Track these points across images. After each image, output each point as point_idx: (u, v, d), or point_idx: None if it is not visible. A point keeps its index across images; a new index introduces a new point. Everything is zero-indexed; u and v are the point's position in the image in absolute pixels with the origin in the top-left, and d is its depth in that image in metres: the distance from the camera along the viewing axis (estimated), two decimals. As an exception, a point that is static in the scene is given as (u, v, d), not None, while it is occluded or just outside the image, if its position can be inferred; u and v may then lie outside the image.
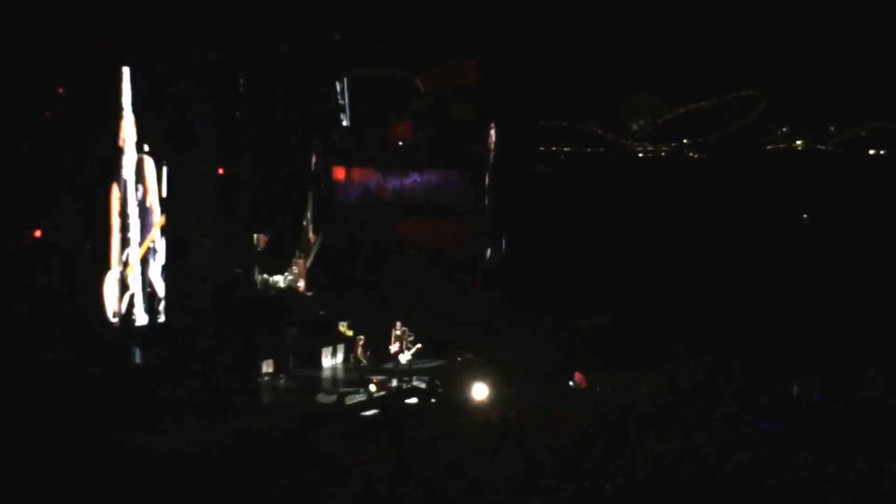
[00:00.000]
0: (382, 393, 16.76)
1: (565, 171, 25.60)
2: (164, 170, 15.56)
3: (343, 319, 19.64)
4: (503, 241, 22.30)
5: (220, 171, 16.06)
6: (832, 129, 26.70)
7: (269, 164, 16.97)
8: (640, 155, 26.31)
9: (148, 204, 15.39)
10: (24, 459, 12.08)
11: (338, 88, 18.63)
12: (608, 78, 24.74)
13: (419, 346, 17.83)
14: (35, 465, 11.98)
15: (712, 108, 26.20)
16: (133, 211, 15.08)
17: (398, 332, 17.84)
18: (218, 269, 16.22)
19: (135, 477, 12.15)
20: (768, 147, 26.53)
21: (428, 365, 17.74)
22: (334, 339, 19.19)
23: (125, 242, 14.98)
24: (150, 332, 15.20)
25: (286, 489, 11.33)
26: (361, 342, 18.52)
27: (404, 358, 17.78)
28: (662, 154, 26.31)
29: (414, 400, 16.69)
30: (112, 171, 14.70)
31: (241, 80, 16.05)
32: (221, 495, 11.84)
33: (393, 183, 21.08)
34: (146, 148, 15.32)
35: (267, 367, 17.17)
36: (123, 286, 14.89)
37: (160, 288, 15.48)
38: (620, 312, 21.53)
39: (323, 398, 16.31)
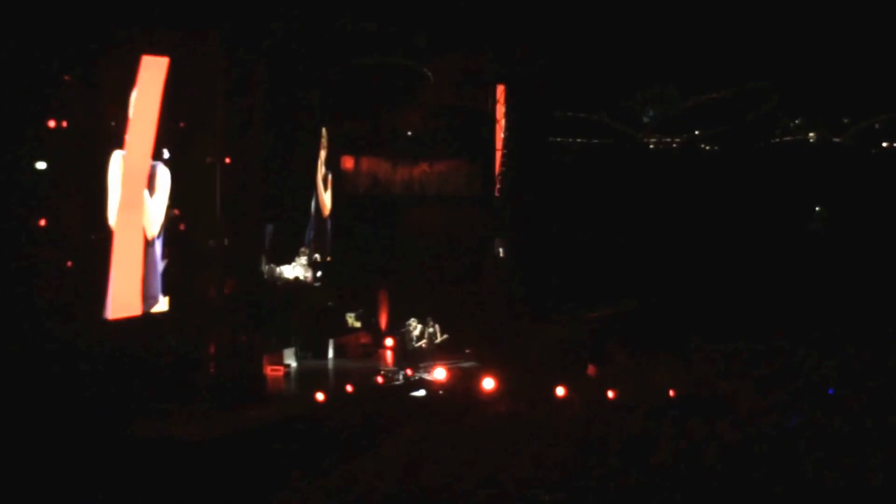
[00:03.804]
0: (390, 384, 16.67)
1: (577, 161, 25.52)
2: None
3: (351, 311, 19.52)
4: (514, 232, 22.19)
5: (228, 160, 15.85)
6: (846, 121, 26.60)
7: (277, 152, 16.80)
8: (652, 147, 26.21)
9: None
10: (33, 447, 11.98)
11: None
12: (620, 69, 24.65)
13: (445, 336, 17.80)
14: (43, 453, 11.88)
15: (725, 100, 26.10)
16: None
17: (417, 329, 17.85)
18: (225, 259, 16.03)
19: (145, 466, 12.05)
20: (782, 139, 26.42)
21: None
22: (342, 330, 19.07)
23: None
24: (156, 322, 15.02)
25: (298, 476, 11.25)
26: (365, 333, 18.49)
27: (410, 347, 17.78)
28: (674, 146, 26.21)
29: (422, 392, 16.55)
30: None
31: (251, 67, 15.88)
32: (232, 484, 11.74)
33: (402, 172, 20.94)
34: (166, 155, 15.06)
35: (274, 357, 17.03)
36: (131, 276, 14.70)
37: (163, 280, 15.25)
38: (633, 303, 21.44)
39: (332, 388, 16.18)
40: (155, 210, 14.87)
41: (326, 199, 19.68)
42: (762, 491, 10.29)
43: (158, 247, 14.97)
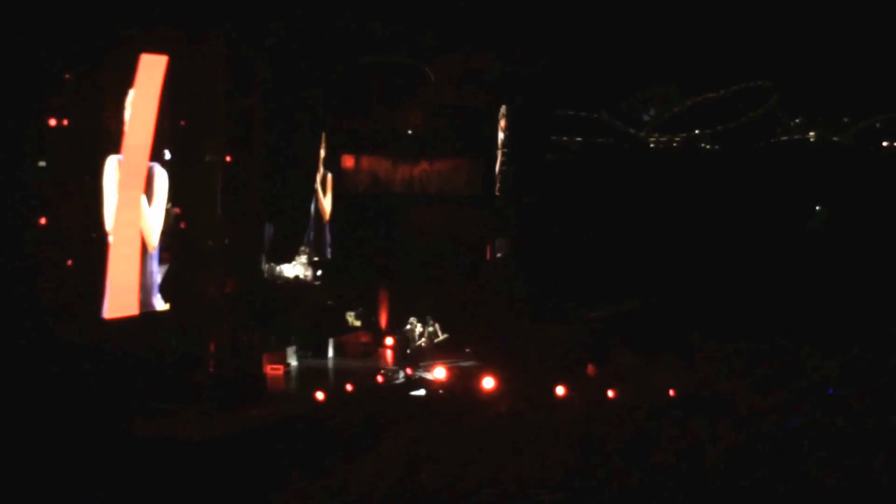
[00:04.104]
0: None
1: (577, 161, 25.52)
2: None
3: (351, 310, 19.49)
4: (514, 231, 22.17)
5: (228, 158, 15.82)
6: (846, 120, 26.56)
7: (277, 151, 16.76)
8: (652, 145, 26.20)
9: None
10: (36, 445, 11.95)
11: None
12: (620, 68, 24.62)
13: (445, 335, 17.84)
14: (47, 452, 11.85)
15: (725, 99, 26.09)
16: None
17: (417, 328, 17.88)
18: (226, 258, 16.00)
19: (145, 465, 12.03)
20: (782, 138, 26.39)
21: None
22: (342, 329, 19.05)
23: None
24: (157, 321, 14.98)
25: (298, 475, 11.22)
26: (365, 332, 18.52)
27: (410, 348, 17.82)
28: (674, 145, 26.19)
29: (422, 392, 16.53)
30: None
31: (253, 66, 15.84)
32: (232, 484, 11.72)
33: (402, 171, 20.91)
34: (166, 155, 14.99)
35: (274, 356, 17.02)
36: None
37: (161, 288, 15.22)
38: (634, 303, 21.41)
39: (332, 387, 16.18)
40: (153, 218, 14.81)
41: (326, 203, 19.63)
42: (765, 491, 10.28)
43: (156, 256, 14.91)
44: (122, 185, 14.18)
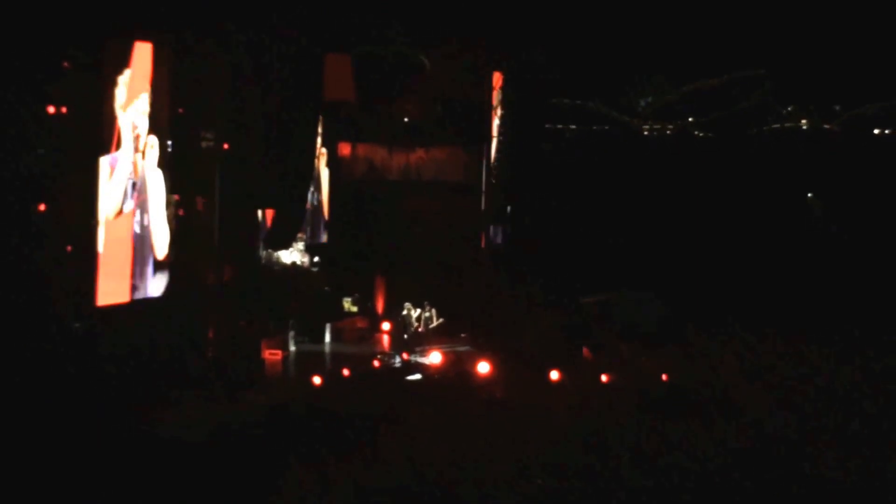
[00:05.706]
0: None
1: (571, 148, 25.58)
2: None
3: (347, 295, 19.60)
4: (510, 219, 22.25)
5: (226, 146, 15.90)
6: (837, 108, 26.63)
7: (274, 138, 16.81)
8: (646, 133, 26.26)
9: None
10: (38, 436, 12.02)
11: None
12: (614, 56, 24.69)
13: (441, 320, 17.97)
14: (48, 443, 11.92)
15: (718, 87, 26.15)
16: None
17: (413, 314, 17.98)
18: (224, 244, 16.10)
19: (146, 456, 12.10)
20: (774, 126, 26.46)
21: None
22: (339, 314, 19.16)
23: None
24: (153, 308, 15.05)
25: (296, 463, 11.30)
26: (362, 318, 18.61)
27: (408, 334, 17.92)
28: (668, 132, 26.26)
29: (418, 376, 16.65)
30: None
31: (250, 55, 15.88)
32: (230, 472, 11.80)
33: (399, 159, 20.97)
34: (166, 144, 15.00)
35: (272, 342, 17.12)
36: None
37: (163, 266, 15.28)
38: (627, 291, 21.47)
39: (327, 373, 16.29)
40: (153, 217, 14.86)
41: (322, 191, 19.67)
42: (777, 492, 10.33)
43: (158, 249, 14.96)
44: (117, 177, 14.26)
